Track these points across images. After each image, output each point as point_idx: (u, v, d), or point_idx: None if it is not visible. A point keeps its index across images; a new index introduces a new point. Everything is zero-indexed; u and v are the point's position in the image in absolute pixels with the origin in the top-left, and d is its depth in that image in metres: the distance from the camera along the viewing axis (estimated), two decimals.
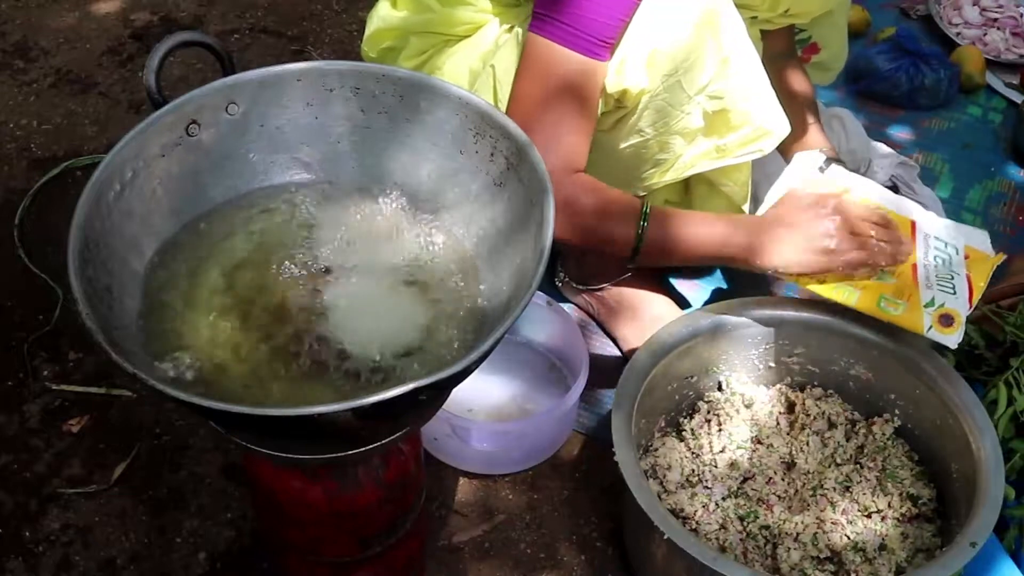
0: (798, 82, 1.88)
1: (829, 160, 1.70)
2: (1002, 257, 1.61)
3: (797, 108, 1.81)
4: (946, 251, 1.60)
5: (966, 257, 1.60)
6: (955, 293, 1.54)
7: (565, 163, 1.46)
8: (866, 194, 1.65)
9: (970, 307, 1.53)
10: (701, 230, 1.52)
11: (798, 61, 1.93)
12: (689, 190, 1.79)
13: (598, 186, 1.51)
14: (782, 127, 1.56)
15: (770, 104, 1.54)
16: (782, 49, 1.86)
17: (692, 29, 1.43)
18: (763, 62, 1.55)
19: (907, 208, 1.65)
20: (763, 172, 1.77)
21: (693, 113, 1.51)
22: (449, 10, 1.63)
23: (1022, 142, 2.37)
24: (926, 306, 1.53)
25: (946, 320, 1.51)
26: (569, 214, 1.45)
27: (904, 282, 1.56)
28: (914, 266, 1.57)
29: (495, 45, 1.58)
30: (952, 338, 1.51)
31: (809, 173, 1.67)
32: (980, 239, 1.63)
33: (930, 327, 1.51)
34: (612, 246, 1.51)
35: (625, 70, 1.45)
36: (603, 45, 1.42)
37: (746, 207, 1.75)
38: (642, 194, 1.65)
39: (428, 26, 1.66)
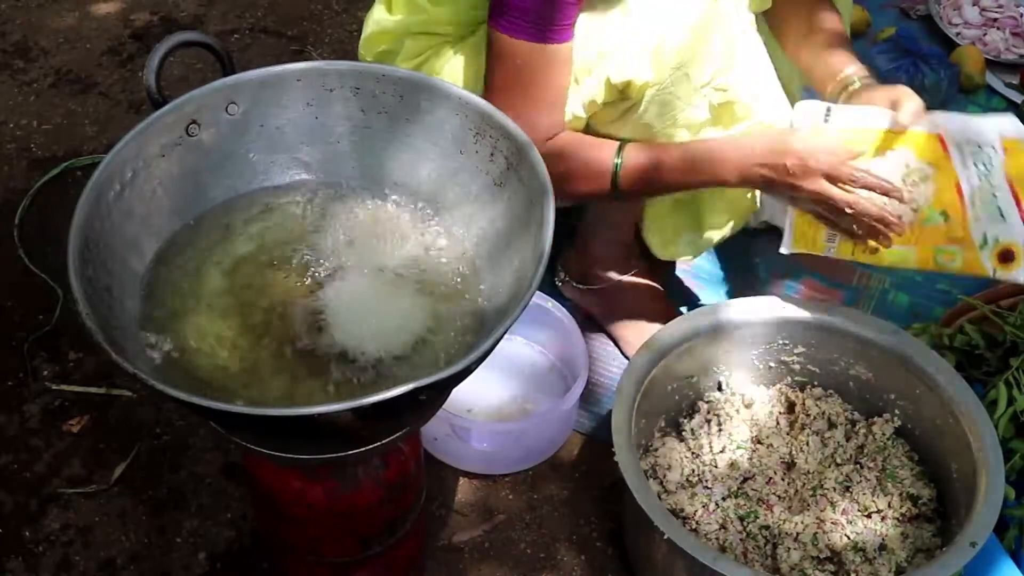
0: (826, 16, 1.75)
1: (830, 108, 1.58)
2: None
3: (825, 36, 1.71)
4: (983, 153, 1.50)
5: (1005, 151, 1.50)
6: (1004, 218, 1.49)
7: (542, 134, 1.49)
8: (877, 124, 1.54)
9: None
10: (681, 149, 1.53)
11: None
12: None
13: (573, 140, 1.54)
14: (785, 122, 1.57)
15: (775, 98, 1.55)
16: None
17: (699, 21, 1.43)
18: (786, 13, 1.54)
19: (929, 123, 1.52)
20: None
21: (699, 106, 1.51)
22: (439, 9, 1.63)
23: None
24: (981, 247, 1.50)
25: (1005, 256, 1.49)
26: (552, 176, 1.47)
27: (955, 215, 1.50)
28: (958, 185, 1.50)
29: None
30: (1018, 273, 1.48)
31: (813, 123, 1.55)
32: (1012, 126, 1.52)
33: (994, 269, 1.49)
34: (597, 194, 1.55)
35: (629, 62, 1.45)
36: (557, 29, 1.43)
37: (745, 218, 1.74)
38: None
39: (422, 27, 1.66)
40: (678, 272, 2.01)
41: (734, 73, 1.49)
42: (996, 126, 1.51)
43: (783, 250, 1.58)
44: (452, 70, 1.63)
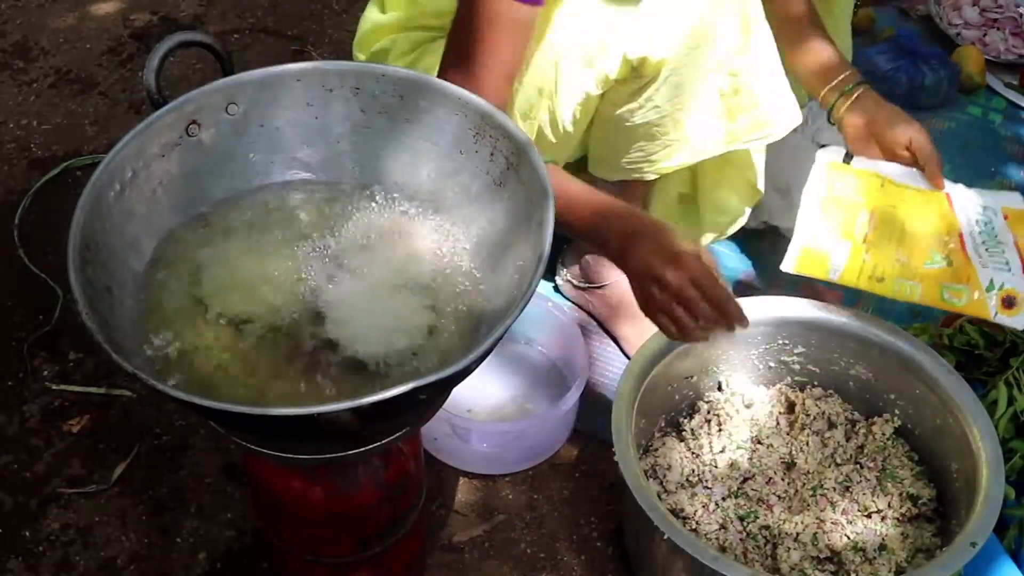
0: (807, 17, 1.78)
1: (849, 154, 1.68)
2: None
3: (810, 42, 1.76)
4: (986, 215, 1.58)
5: (1005, 218, 1.58)
6: (1009, 268, 1.53)
7: (497, 100, 1.45)
8: (893, 175, 1.63)
9: None
10: (577, 208, 1.43)
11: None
12: (697, 181, 1.78)
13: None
14: (792, 115, 1.57)
15: (782, 91, 1.55)
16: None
17: (719, 3, 1.44)
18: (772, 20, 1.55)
19: (942, 182, 1.63)
20: (791, 158, 1.76)
21: (709, 89, 1.51)
22: (432, 2, 1.63)
23: None
24: (987, 290, 1.52)
25: (1008, 302, 1.51)
26: None
27: (958, 261, 1.55)
28: (960, 236, 1.57)
29: None
30: (1019, 319, 1.51)
31: (833, 162, 1.66)
32: (1014, 199, 1.61)
33: (996, 313, 1.52)
34: None
35: (646, 38, 1.45)
36: None
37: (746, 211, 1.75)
38: (652, 178, 1.65)
39: (416, 21, 1.66)
40: None
41: (747, 57, 1.49)
42: (999, 198, 1.62)
43: (784, 267, 1.61)
44: None
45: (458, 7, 1.47)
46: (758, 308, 1.66)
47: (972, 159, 2.37)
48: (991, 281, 1.53)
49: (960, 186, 1.63)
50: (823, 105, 1.73)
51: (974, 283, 1.53)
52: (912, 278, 1.55)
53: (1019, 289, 1.51)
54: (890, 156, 1.67)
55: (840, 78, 1.70)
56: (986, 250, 1.55)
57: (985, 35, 2.64)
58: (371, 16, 1.72)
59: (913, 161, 1.65)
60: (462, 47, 1.45)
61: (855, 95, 1.69)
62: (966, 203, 1.60)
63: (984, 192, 1.63)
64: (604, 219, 1.41)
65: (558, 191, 1.29)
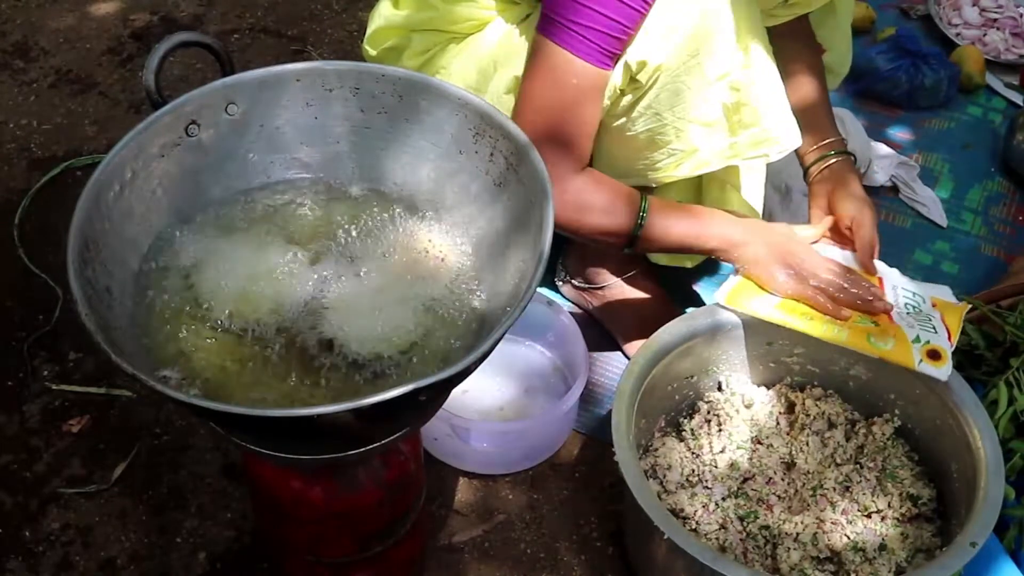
0: (811, 71, 1.84)
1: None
2: (967, 306, 1.64)
3: (807, 96, 1.79)
4: (915, 299, 1.63)
5: (934, 305, 1.63)
6: (936, 332, 1.56)
7: (577, 164, 1.50)
8: (836, 258, 1.67)
9: (951, 345, 1.55)
10: (692, 221, 1.57)
11: (814, 51, 1.88)
12: (701, 191, 1.78)
13: (603, 179, 1.54)
14: (792, 136, 1.57)
15: (783, 110, 1.55)
16: (796, 39, 1.83)
17: (718, 12, 1.44)
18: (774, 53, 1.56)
19: (873, 267, 1.68)
20: (791, 158, 1.76)
21: (711, 101, 1.51)
22: (451, 7, 1.63)
23: (1012, 155, 2.34)
24: (914, 342, 1.55)
25: (934, 354, 1.53)
26: (578, 207, 1.50)
27: (884, 324, 1.58)
28: (889, 313, 1.60)
29: (509, 45, 1.58)
30: (942, 371, 1.52)
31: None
32: (944, 293, 1.67)
33: (920, 360, 1.53)
34: (615, 236, 1.55)
35: (644, 42, 1.45)
36: (610, 56, 1.43)
37: (759, 203, 1.75)
38: (654, 186, 1.65)
39: (431, 24, 1.66)
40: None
41: (749, 72, 1.49)
42: (930, 289, 1.67)
43: (717, 298, 1.62)
44: (460, 67, 1.63)
45: (531, 71, 1.46)
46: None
47: (972, 159, 2.38)
48: (917, 336, 1.55)
49: (895, 271, 1.67)
50: (803, 162, 1.77)
51: (901, 337, 1.55)
52: (840, 325, 1.57)
53: (945, 348, 1.54)
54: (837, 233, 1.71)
55: (827, 142, 1.76)
56: (915, 319, 1.59)
57: (985, 35, 2.64)
58: (383, 11, 1.72)
59: (851, 242, 1.68)
60: (552, 119, 1.46)
61: (832, 162, 1.74)
62: (898, 285, 1.65)
63: (917, 282, 1.68)
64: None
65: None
